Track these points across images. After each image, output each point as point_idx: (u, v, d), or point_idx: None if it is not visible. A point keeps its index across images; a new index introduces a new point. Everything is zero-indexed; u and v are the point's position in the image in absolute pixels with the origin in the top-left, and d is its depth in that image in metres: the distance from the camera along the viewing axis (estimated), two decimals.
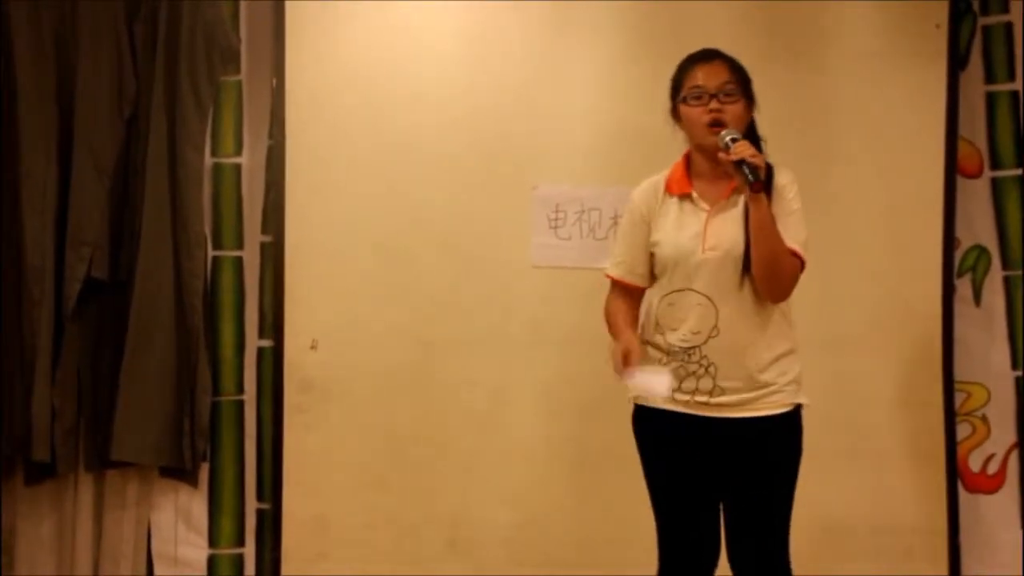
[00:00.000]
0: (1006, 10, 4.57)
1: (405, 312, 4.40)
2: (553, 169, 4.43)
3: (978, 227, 4.61)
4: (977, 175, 4.61)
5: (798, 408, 3.25)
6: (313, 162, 4.38)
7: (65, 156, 4.21)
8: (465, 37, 4.44)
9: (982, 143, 4.61)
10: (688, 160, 3.31)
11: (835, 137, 4.42)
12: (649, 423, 3.30)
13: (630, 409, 3.36)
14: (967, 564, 4.52)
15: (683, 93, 3.25)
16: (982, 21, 4.60)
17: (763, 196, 3.08)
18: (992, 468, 4.58)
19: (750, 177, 3.05)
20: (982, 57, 4.60)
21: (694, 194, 3.25)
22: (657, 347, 3.27)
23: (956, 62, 4.55)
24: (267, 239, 4.43)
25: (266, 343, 4.41)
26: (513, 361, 4.41)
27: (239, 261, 4.41)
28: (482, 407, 4.40)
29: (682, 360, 3.21)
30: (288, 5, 4.37)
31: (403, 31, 4.41)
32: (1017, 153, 4.56)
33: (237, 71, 4.39)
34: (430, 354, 4.39)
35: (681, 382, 3.20)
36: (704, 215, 3.21)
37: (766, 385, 3.19)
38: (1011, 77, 4.57)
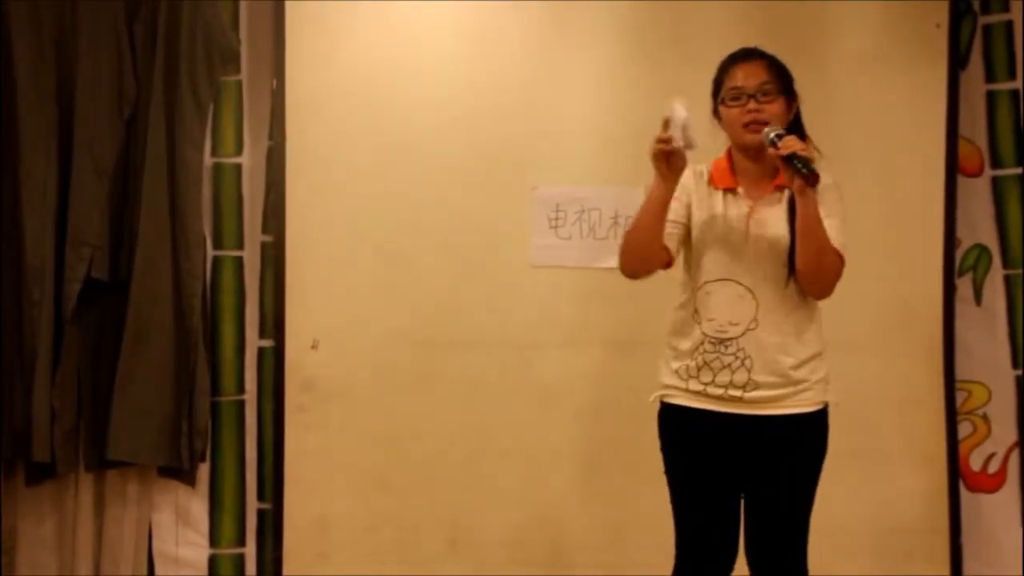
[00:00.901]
0: (1006, 9, 4.57)
1: (405, 312, 4.40)
2: (553, 169, 4.42)
3: (979, 226, 4.60)
4: (978, 174, 4.61)
5: (826, 406, 3.26)
6: (313, 162, 4.38)
7: (65, 156, 4.20)
8: (465, 38, 4.44)
9: (982, 142, 4.60)
10: (730, 157, 3.30)
11: (835, 137, 4.35)
12: (675, 421, 3.29)
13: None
14: (968, 564, 4.51)
15: (723, 94, 3.25)
16: (982, 20, 4.60)
17: (812, 191, 3.06)
18: (993, 467, 4.58)
19: (804, 170, 3.02)
20: (982, 56, 4.60)
21: (739, 189, 3.25)
22: (691, 337, 3.24)
23: (956, 61, 4.54)
24: (268, 239, 4.43)
25: (267, 343, 4.42)
26: (513, 361, 4.41)
27: (239, 261, 4.41)
28: (482, 407, 4.40)
29: (718, 352, 3.20)
30: (288, 5, 4.37)
31: (403, 32, 4.41)
32: (1017, 152, 4.55)
33: (237, 71, 4.39)
34: (430, 354, 4.40)
35: (715, 375, 3.20)
36: (748, 208, 3.21)
37: (799, 382, 3.20)
38: (1011, 76, 4.56)
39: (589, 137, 4.42)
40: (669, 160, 3.09)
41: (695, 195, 3.27)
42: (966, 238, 4.60)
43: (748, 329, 3.17)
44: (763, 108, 3.19)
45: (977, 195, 4.60)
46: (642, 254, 3.22)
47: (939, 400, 4.51)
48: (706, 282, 3.22)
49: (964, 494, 4.55)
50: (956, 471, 4.52)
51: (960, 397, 4.57)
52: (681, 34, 4.38)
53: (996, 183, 4.59)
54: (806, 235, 3.10)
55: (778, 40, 4.13)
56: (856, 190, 4.38)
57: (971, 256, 4.61)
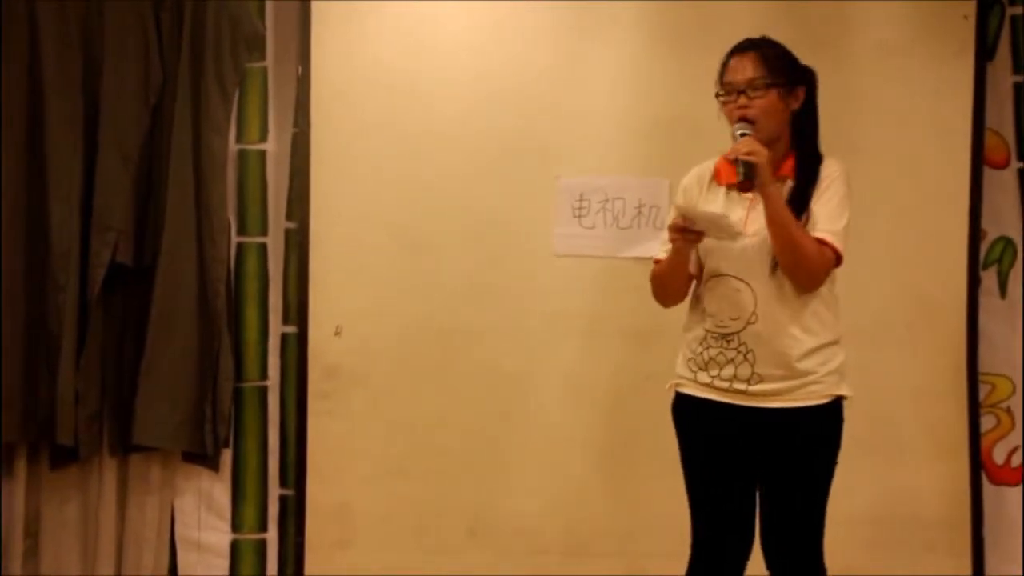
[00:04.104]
0: None
1: (428, 300, 4.41)
2: (577, 159, 4.42)
3: (1004, 219, 4.58)
4: (1004, 166, 4.59)
5: (839, 400, 3.23)
6: (338, 150, 4.39)
7: (90, 143, 4.23)
8: (489, 27, 4.44)
9: (1009, 134, 4.57)
10: None
11: (861, 129, 4.40)
12: (688, 410, 3.30)
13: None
14: (989, 557, 4.50)
15: (717, 88, 3.27)
16: (1010, 11, 4.57)
17: (775, 191, 3.08)
18: (1016, 460, 4.57)
19: (740, 175, 3.06)
20: (1010, 48, 4.57)
21: None
22: (698, 331, 3.26)
23: (984, 53, 4.51)
24: (292, 226, 4.44)
25: (290, 329, 4.43)
26: (535, 350, 4.41)
27: (263, 247, 4.43)
28: (504, 396, 4.41)
29: (721, 347, 3.21)
30: None
31: (428, 21, 4.42)
32: None
33: (262, 57, 4.41)
34: (453, 342, 4.40)
35: (720, 369, 3.20)
36: (747, 202, 3.21)
37: (805, 374, 3.17)
38: None
39: (613, 127, 4.42)
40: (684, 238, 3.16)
41: (699, 198, 3.29)
42: (991, 230, 4.57)
43: (748, 323, 3.17)
44: (751, 103, 3.19)
45: (1003, 187, 4.57)
46: (672, 296, 3.34)
47: (962, 393, 4.49)
48: (708, 277, 3.25)
49: (987, 487, 4.53)
50: (979, 464, 4.51)
51: (984, 390, 4.55)
52: (705, 25, 4.35)
53: (1023, 175, 4.56)
54: (773, 230, 3.10)
55: (803, 32, 4.15)
56: (882, 182, 4.40)
57: (996, 248, 4.59)
